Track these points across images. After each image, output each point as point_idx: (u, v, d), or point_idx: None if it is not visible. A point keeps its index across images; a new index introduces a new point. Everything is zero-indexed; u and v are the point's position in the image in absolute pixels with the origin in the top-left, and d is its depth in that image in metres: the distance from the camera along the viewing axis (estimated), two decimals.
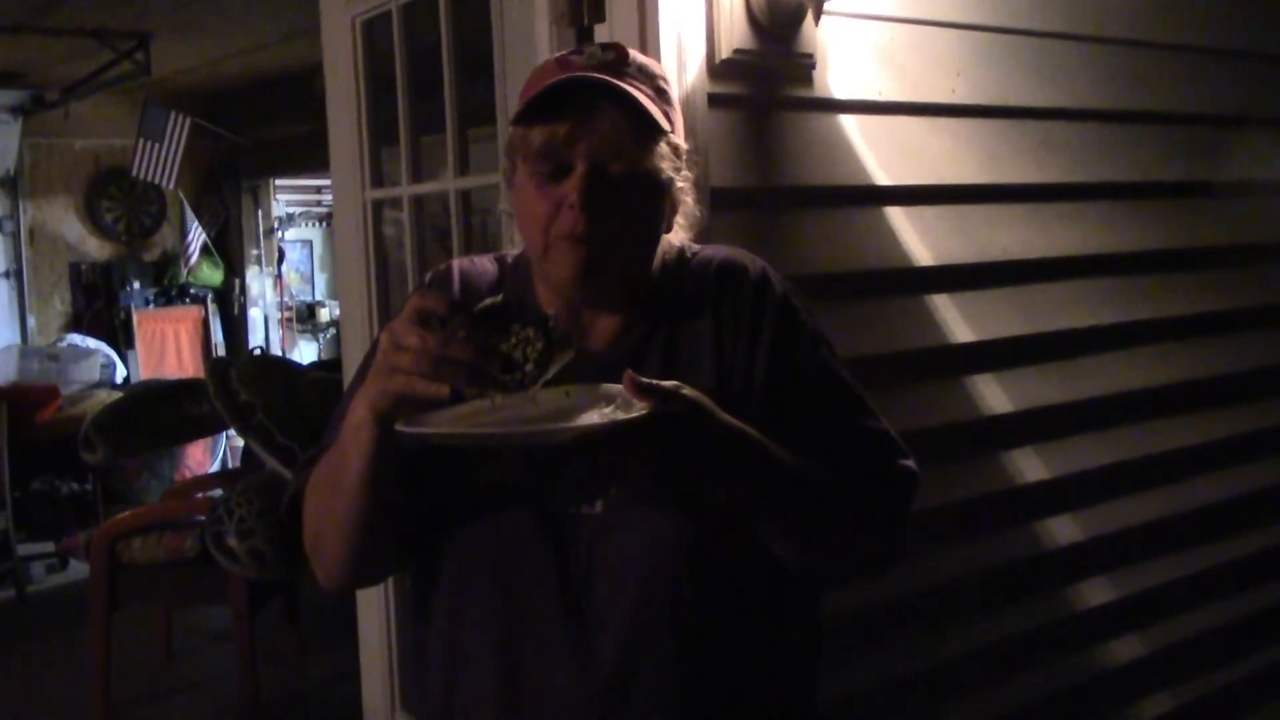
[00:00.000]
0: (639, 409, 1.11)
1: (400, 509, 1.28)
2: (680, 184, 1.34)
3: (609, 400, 1.18)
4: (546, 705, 1.27)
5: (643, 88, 1.28)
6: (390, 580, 2.45)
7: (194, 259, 8.41)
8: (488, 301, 1.15)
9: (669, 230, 1.36)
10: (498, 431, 1.16)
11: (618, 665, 1.25)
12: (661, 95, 1.31)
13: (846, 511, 1.31)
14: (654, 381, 1.13)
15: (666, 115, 1.30)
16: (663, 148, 1.29)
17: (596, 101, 1.25)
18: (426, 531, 1.33)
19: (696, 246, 1.41)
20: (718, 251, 1.39)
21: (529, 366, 1.12)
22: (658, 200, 1.31)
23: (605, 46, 1.31)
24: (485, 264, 1.43)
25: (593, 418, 1.15)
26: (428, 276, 1.44)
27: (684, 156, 1.34)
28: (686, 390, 1.16)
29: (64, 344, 7.76)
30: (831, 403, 1.34)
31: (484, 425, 1.17)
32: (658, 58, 1.84)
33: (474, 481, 1.29)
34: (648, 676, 1.26)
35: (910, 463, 1.35)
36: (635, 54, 1.33)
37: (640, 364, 1.30)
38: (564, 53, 1.33)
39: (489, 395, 1.15)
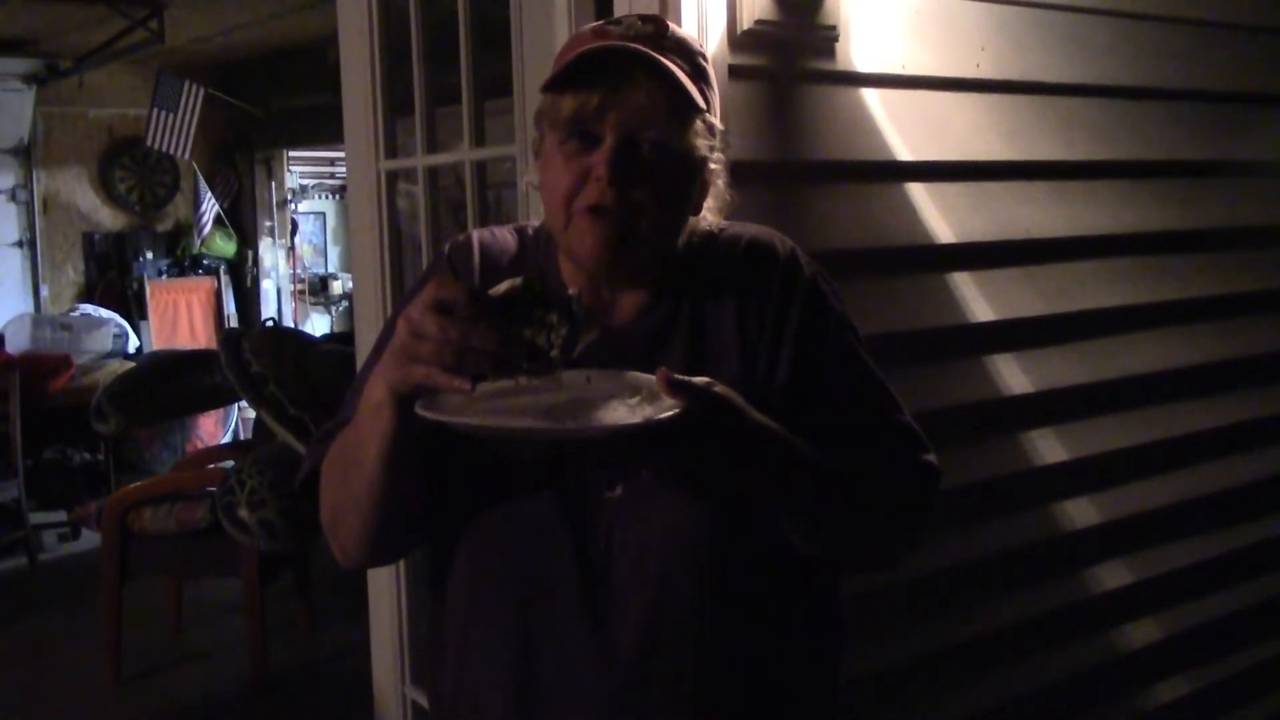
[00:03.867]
0: (669, 405, 1.08)
1: (419, 487, 1.26)
2: (714, 165, 1.31)
3: (634, 390, 1.15)
4: (564, 690, 1.25)
5: (680, 63, 1.24)
6: None
7: (207, 230, 8.40)
8: (505, 286, 1.11)
9: (697, 212, 1.33)
10: (523, 426, 1.13)
11: (638, 651, 1.23)
12: (699, 73, 1.28)
13: (866, 507, 1.29)
14: (686, 379, 1.10)
15: (704, 94, 1.26)
16: (698, 126, 1.26)
17: (631, 73, 1.21)
18: (444, 510, 1.31)
19: (725, 223, 1.37)
20: (746, 230, 1.36)
21: (554, 352, 1.09)
22: (688, 179, 1.28)
23: (644, 19, 1.28)
24: (505, 236, 1.40)
25: (619, 409, 1.12)
26: (446, 247, 1.40)
27: (719, 137, 1.30)
28: (718, 388, 1.13)
29: (77, 314, 7.76)
30: (856, 392, 1.32)
31: (509, 417, 1.14)
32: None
33: (493, 461, 1.27)
34: (668, 663, 1.24)
35: (932, 457, 1.33)
36: (675, 28, 1.29)
37: (665, 341, 1.28)
38: (601, 22, 1.30)
39: (513, 379, 1.12)
